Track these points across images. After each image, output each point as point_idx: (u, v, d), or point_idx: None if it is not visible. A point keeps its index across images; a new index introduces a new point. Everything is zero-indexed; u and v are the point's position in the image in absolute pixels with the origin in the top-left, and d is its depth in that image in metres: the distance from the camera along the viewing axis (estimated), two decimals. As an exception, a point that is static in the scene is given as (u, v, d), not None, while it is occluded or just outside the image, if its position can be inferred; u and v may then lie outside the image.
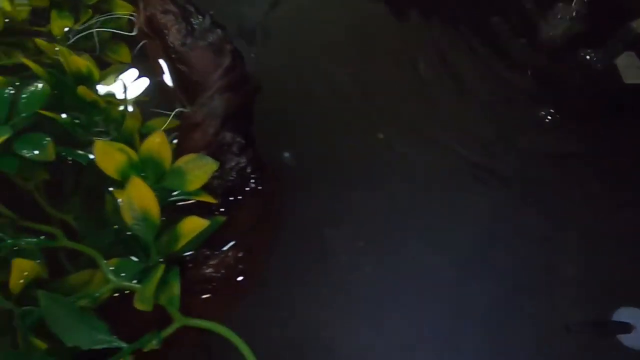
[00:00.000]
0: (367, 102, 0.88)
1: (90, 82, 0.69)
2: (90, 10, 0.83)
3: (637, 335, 0.67)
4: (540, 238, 0.76)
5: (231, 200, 0.65)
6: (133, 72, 0.82)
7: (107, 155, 0.56)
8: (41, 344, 0.48)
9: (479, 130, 0.86)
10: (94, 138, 0.66)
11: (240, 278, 0.63)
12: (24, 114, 0.63)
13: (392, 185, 0.78)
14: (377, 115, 0.86)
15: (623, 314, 0.69)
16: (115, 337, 0.52)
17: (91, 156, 0.66)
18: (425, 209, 0.77)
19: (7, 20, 0.76)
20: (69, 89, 0.66)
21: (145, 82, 0.81)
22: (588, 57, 0.88)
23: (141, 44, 0.80)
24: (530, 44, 0.96)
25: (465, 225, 0.75)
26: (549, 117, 0.84)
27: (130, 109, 0.70)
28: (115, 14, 0.83)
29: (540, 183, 0.82)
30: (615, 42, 0.87)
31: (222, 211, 0.65)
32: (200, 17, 0.78)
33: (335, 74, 0.91)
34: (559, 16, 0.88)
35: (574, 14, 0.89)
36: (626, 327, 0.68)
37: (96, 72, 0.69)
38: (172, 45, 0.73)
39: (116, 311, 0.57)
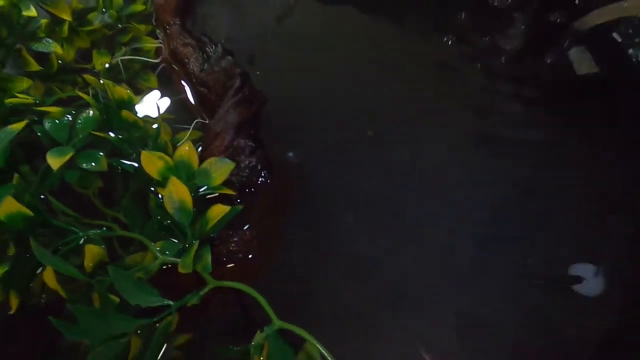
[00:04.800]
0: (358, 106, 1.04)
1: (131, 106, 0.86)
2: (123, 47, 1.01)
3: (587, 285, 0.81)
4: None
5: (246, 192, 0.81)
6: (159, 94, 1.00)
7: (150, 162, 0.73)
8: (114, 298, 0.64)
9: (462, 124, 1.02)
10: (138, 150, 0.84)
11: (256, 251, 0.79)
12: (81, 135, 0.80)
13: (378, 172, 0.94)
14: (369, 116, 1.02)
15: (577, 269, 0.83)
16: (164, 298, 0.68)
17: (135, 165, 0.84)
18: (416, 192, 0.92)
19: (59, 62, 0.95)
20: (114, 113, 0.83)
21: (170, 102, 1.00)
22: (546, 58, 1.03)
23: (160, 67, 0.99)
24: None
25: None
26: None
27: (162, 126, 0.87)
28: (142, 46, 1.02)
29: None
30: (564, 41, 1.01)
31: (239, 201, 0.81)
32: (213, 46, 0.95)
33: (326, 88, 1.07)
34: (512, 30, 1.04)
35: (522, 27, 1.04)
36: (578, 279, 0.82)
37: (135, 98, 0.86)
38: (192, 71, 0.91)
39: (162, 281, 0.74)
